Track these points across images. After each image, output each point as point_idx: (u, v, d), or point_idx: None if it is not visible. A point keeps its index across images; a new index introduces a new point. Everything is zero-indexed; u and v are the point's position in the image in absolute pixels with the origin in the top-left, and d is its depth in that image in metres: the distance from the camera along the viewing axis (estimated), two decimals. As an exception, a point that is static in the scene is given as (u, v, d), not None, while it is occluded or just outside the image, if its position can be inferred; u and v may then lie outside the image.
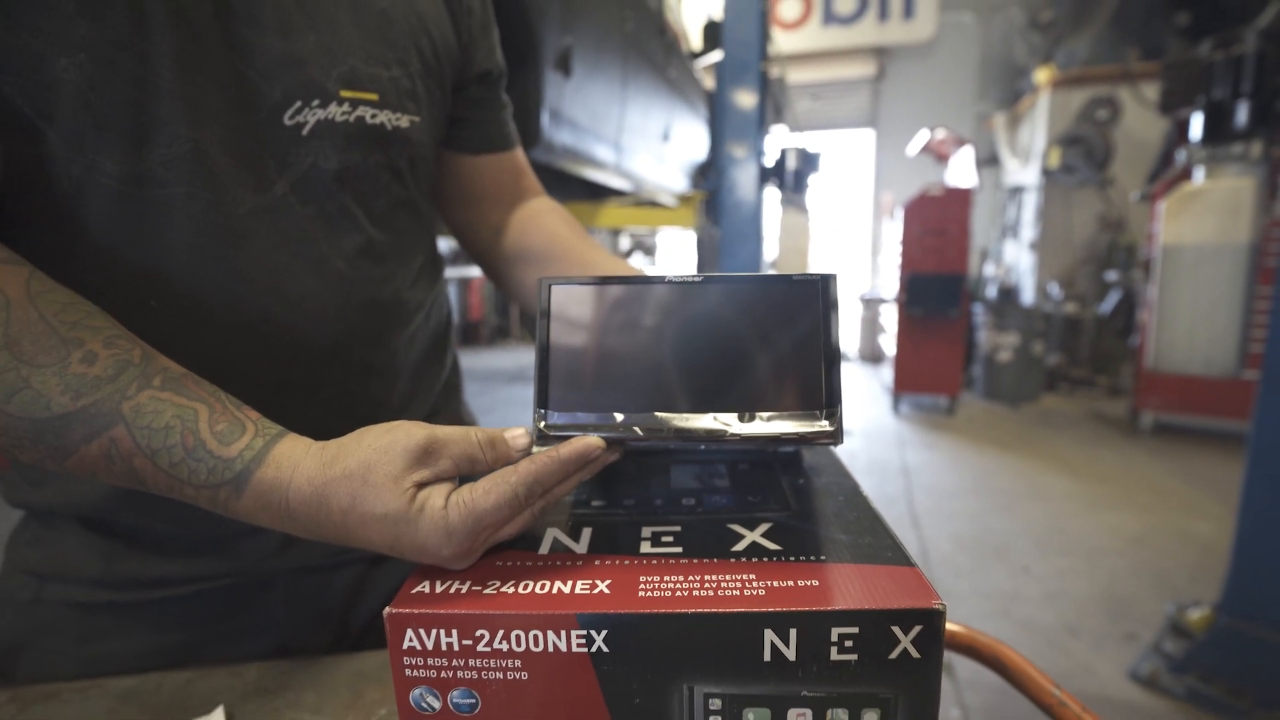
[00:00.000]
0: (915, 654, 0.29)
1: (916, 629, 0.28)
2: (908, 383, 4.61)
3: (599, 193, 3.17)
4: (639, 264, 7.64)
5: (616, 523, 0.38)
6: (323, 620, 0.53)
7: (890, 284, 5.25)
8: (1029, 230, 5.56)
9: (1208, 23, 5.00)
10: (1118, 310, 4.80)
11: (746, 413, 0.35)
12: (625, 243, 6.72)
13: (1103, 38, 5.34)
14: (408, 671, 0.30)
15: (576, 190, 3.02)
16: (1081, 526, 2.72)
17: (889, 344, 5.12)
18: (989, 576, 2.32)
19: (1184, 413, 3.88)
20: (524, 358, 7.11)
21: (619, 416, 0.35)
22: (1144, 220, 4.62)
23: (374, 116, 0.49)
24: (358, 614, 0.55)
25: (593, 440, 0.33)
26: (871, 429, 4.35)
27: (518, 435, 0.34)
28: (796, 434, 0.34)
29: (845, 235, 7.33)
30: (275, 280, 0.45)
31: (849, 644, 0.29)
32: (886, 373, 5.32)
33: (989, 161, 6.28)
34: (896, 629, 0.28)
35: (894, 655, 0.29)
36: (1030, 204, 5.52)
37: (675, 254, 7.41)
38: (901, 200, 6.55)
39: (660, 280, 0.37)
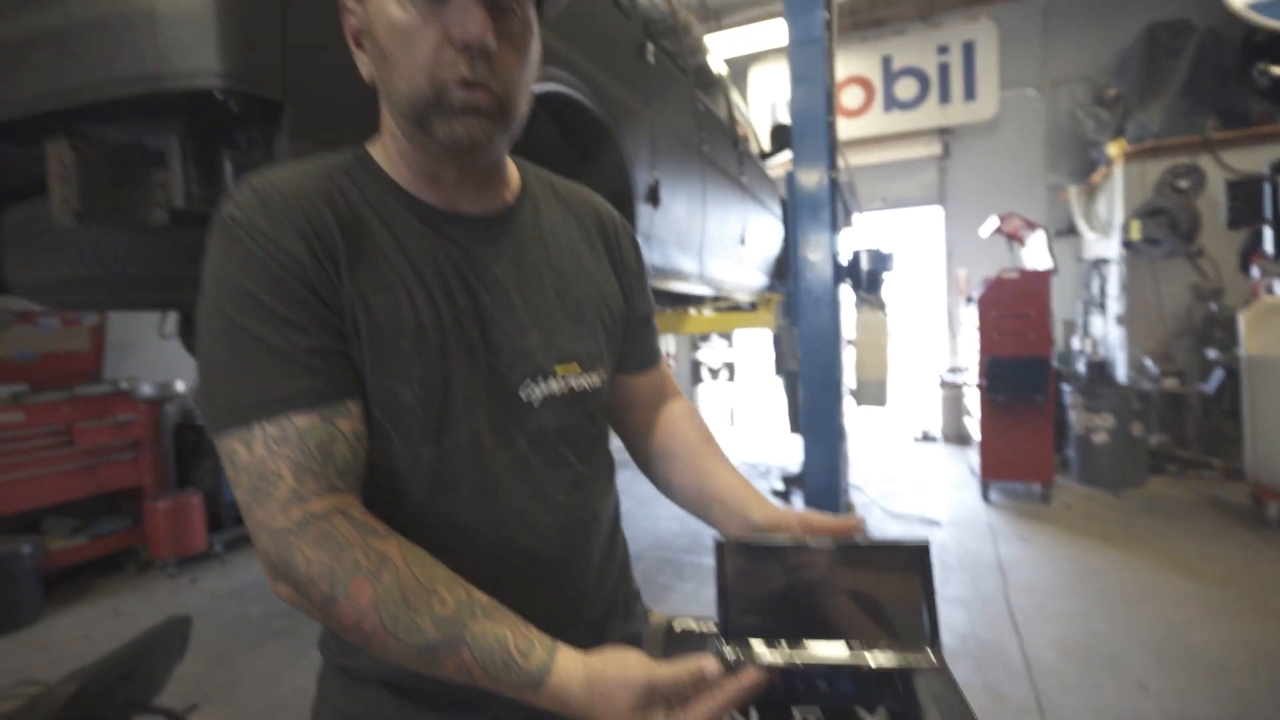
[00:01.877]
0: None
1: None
2: (996, 469, 4.46)
3: (680, 297, 3.38)
4: (718, 349, 7.78)
5: (772, 702, 0.53)
6: None
7: (970, 364, 5.17)
8: (1115, 304, 5.38)
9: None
10: (1223, 389, 4.52)
11: (872, 647, 0.48)
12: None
13: (1175, 108, 5.28)
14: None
15: (660, 299, 3.24)
16: (1203, 637, 2.54)
17: (974, 426, 4.98)
18: (1101, 692, 2.20)
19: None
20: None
21: (782, 642, 0.49)
22: (1244, 289, 4.41)
23: (578, 382, 0.69)
24: None
25: (758, 675, 0.49)
26: (961, 517, 4.20)
27: (710, 670, 0.50)
28: (910, 666, 0.48)
29: (921, 314, 7.28)
30: (519, 514, 0.64)
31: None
32: (973, 455, 5.14)
33: (1066, 232, 6.19)
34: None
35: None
36: (1114, 277, 5.37)
37: (751, 344, 7.56)
38: (976, 276, 6.49)
39: (804, 546, 0.52)
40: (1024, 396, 4.20)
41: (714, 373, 7.99)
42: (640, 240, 2.18)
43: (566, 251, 0.73)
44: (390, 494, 0.60)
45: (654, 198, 2.16)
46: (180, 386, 3.85)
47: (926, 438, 6.65)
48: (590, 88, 1.73)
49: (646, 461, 0.84)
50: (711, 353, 7.94)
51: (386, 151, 0.66)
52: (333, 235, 0.59)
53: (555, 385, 0.67)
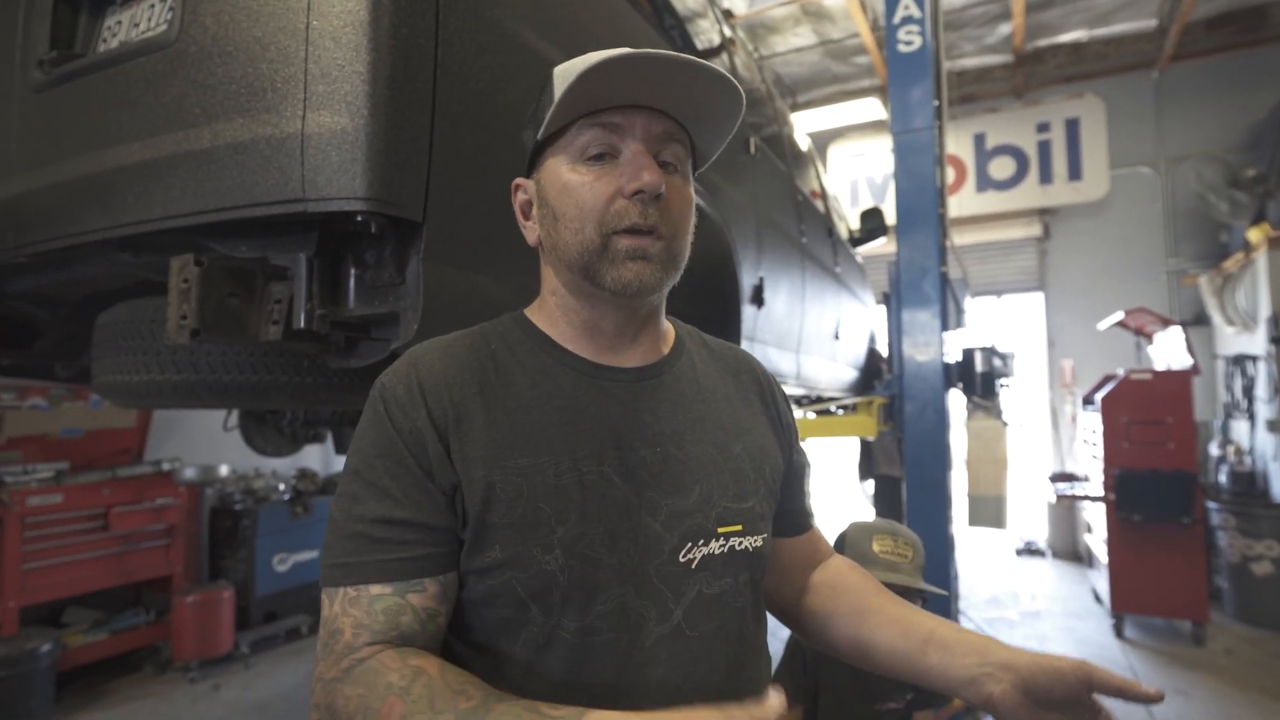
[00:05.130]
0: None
1: None
2: (1132, 600, 4.10)
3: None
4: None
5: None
6: None
7: (1088, 472, 4.87)
8: (1265, 407, 5.06)
9: None
10: None
11: None
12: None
13: (1324, 191, 5.11)
14: None
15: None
16: None
17: (1097, 544, 4.65)
18: None
19: None
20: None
21: None
22: None
23: (740, 544, 0.69)
24: None
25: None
26: (1093, 657, 3.77)
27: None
28: None
29: (1019, 409, 6.99)
30: (670, 699, 0.60)
31: None
32: (1096, 578, 4.77)
33: (1194, 323, 5.93)
34: None
35: None
36: (1262, 376, 5.07)
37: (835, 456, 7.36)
38: (1083, 369, 6.24)
39: None
40: (1167, 518, 3.91)
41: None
42: (744, 344, 2.16)
43: (724, 406, 0.77)
44: (524, 669, 0.62)
45: (758, 298, 2.16)
46: (224, 470, 3.94)
47: (1031, 550, 6.24)
48: (703, 186, 1.76)
49: (804, 621, 0.85)
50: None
51: (546, 311, 0.75)
52: (468, 405, 0.66)
53: (716, 547, 0.67)
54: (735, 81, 0.65)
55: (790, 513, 0.84)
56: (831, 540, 1.46)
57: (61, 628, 3.50)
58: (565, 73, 0.66)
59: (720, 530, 0.68)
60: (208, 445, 4.32)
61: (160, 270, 1.23)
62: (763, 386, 0.84)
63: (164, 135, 1.09)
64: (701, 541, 0.66)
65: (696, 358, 0.79)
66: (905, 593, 1.37)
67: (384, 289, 1.09)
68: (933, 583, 2.84)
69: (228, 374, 1.42)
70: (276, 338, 1.13)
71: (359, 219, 1.00)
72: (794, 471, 0.83)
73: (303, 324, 1.09)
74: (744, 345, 2.09)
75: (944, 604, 2.74)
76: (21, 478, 3.35)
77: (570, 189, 0.67)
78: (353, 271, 1.11)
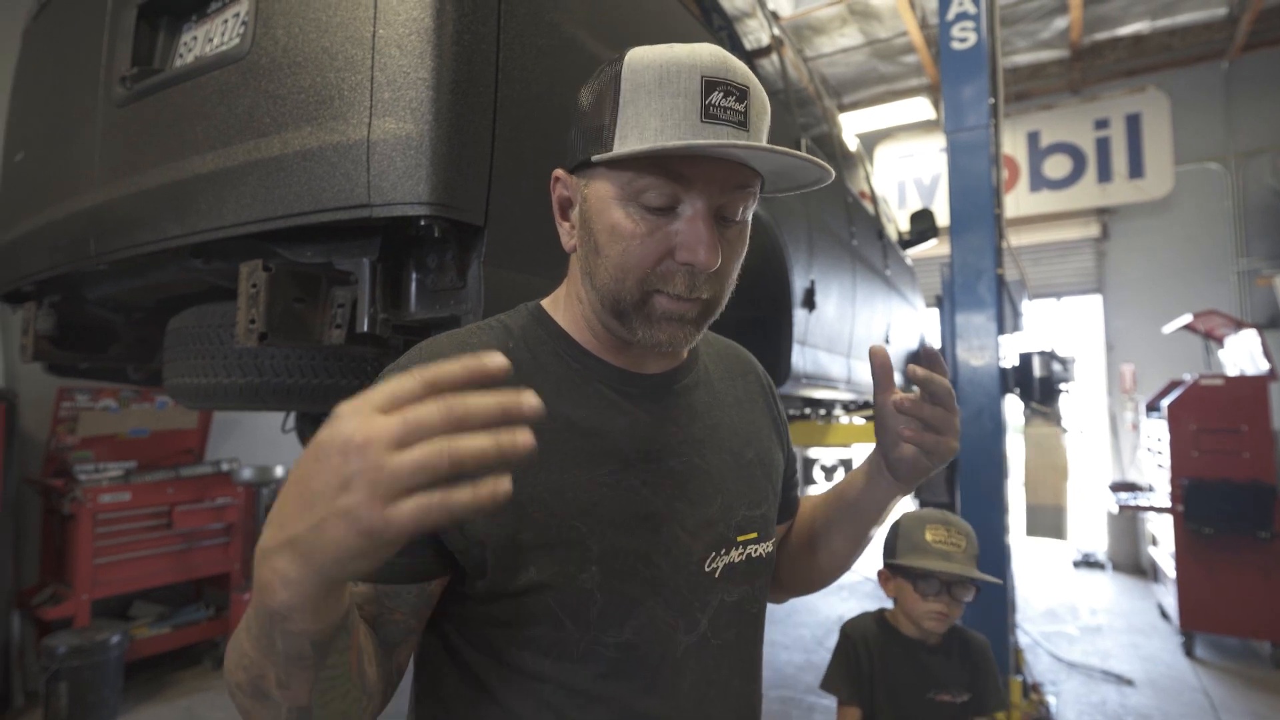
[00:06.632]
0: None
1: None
2: (1203, 619, 3.90)
3: (812, 403, 3.27)
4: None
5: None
6: None
7: (1153, 482, 4.66)
8: (1346, 416, 4.77)
9: None
10: None
11: None
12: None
13: None
14: None
15: (791, 404, 3.15)
16: None
17: (1162, 557, 4.45)
18: None
19: None
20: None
21: None
22: None
23: (756, 551, 0.70)
24: None
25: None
26: (1161, 678, 3.67)
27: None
28: None
29: (1076, 415, 6.74)
30: (700, 707, 0.63)
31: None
32: (1162, 593, 4.57)
33: (1270, 325, 5.64)
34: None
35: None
36: (1342, 383, 4.79)
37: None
38: (1145, 374, 5.97)
39: None
40: (1242, 531, 3.71)
41: (828, 472, 7.64)
42: (796, 350, 2.13)
43: (735, 410, 0.77)
44: (555, 683, 0.60)
45: (810, 301, 2.12)
46: (279, 471, 4.05)
47: (1089, 562, 6.00)
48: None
49: (790, 577, 0.88)
50: (824, 449, 7.62)
51: (570, 312, 0.70)
52: None
53: (736, 555, 0.68)
54: (827, 165, 0.60)
55: (786, 501, 0.86)
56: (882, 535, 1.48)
57: (129, 621, 3.65)
58: (636, 86, 0.58)
59: (739, 539, 0.69)
60: (263, 446, 4.46)
61: (228, 276, 1.28)
62: (764, 386, 0.85)
63: (236, 145, 1.12)
64: (724, 550, 0.67)
65: (707, 359, 0.79)
66: (961, 582, 1.40)
67: (445, 293, 1.10)
68: (986, 601, 2.75)
69: (291, 377, 1.46)
70: (340, 341, 1.16)
71: (422, 223, 1.01)
72: (790, 465, 0.86)
73: (365, 328, 1.11)
74: (795, 349, 2.07)
75: (999, 593, 2.65)
76: (94, 476, 3.51)
77: (618, 234, 0.60)
78: (414, 276, 1.13)
